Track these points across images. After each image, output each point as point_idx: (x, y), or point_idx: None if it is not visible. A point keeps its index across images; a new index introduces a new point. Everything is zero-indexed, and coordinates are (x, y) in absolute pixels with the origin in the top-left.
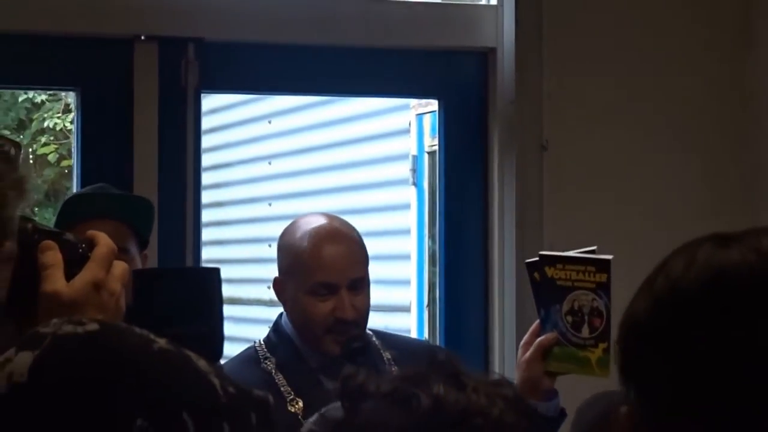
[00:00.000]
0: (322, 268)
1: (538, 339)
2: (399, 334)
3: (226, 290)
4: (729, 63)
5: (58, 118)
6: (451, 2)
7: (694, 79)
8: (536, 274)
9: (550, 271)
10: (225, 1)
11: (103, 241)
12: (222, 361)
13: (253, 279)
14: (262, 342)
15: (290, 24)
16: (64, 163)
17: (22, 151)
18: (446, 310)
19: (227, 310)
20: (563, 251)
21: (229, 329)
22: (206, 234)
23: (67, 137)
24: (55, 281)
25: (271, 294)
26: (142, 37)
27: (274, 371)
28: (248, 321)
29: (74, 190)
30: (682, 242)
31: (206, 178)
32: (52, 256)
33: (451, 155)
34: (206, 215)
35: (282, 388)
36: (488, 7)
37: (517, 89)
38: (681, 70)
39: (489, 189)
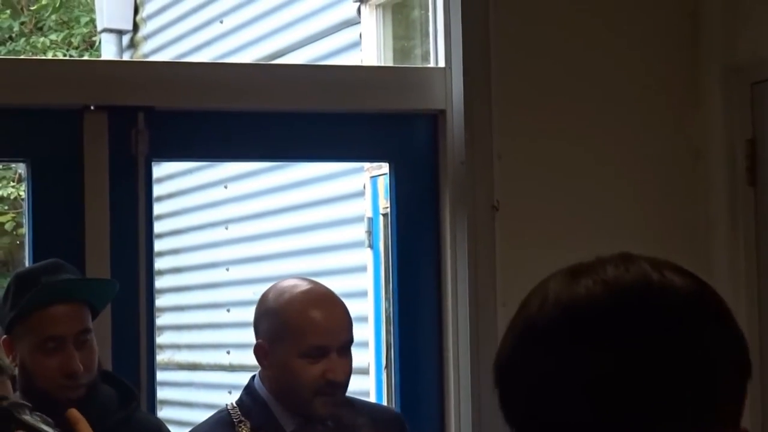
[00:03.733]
0: (316, 331)
1: None
2: (368, 400)
3: (186, 356)
4: (679, 120)
5: (12, 187)
6: (400, 66)
7: (645, 137)
8: None
9: None
10: (174, 70)
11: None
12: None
13: (212, 344)
14: (234, 405)
15: (239, 91)
16: (20, 231)
17: None
18: (401, 371)
19: (187, 376)
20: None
21: (189, 395)
22: (164, 300)
23: (20, 207)
24: None
25: (230, 359)
26: (92, 107)
27: None
28: (208, 386)
29: (26, 259)
30: None
31: (163, 245)
32: None
33: (403, 217)
34: (164, 282)
35: None
36: (437, 69)
37: (468, 150)
38: (636, 128)
39: (442, 250)
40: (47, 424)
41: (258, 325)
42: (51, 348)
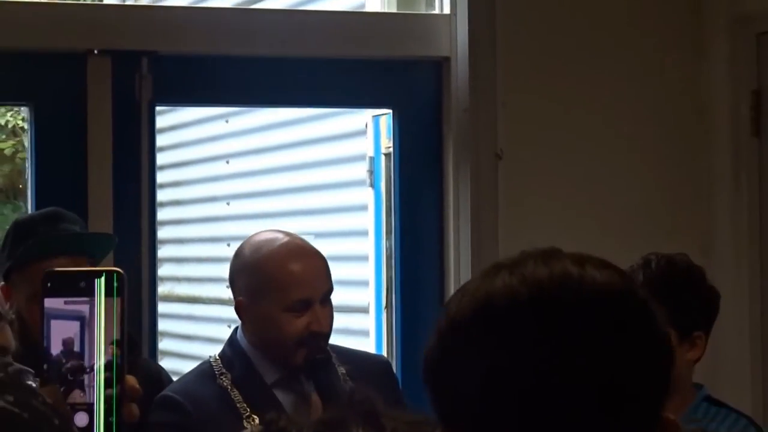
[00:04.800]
0: (299, 284)
1: None
2: (354, 348)
3: (187, 289)
4: (682, 72)
5: (11, 116)
6: (404, 12)
7: (648, 88)
8: None
9: None
10: (178, 14)
11: None
12: (175, 377)
13: (212, 278)
14: (217, 357)
15: (244, 36)
16: (21, 155)
17: None
18: (402, 311)
19: (187, 308)
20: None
21: (188, 328)
22: (165, 232)
23: (19, 135)
24: None
25: (229, 293)
26: (95, 51)
27: (229, 387)
28: (207, 320)
29: (29, 203)
30: (640, 250)
31: (164, 177)
32: None
33: (406, 164)
34: (164, 214)
35: (238, 404)
36: (442, 16)
37: (472, 98)
38: (636, 78)
39: (444, 197)
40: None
41: (236, 280)
42: None
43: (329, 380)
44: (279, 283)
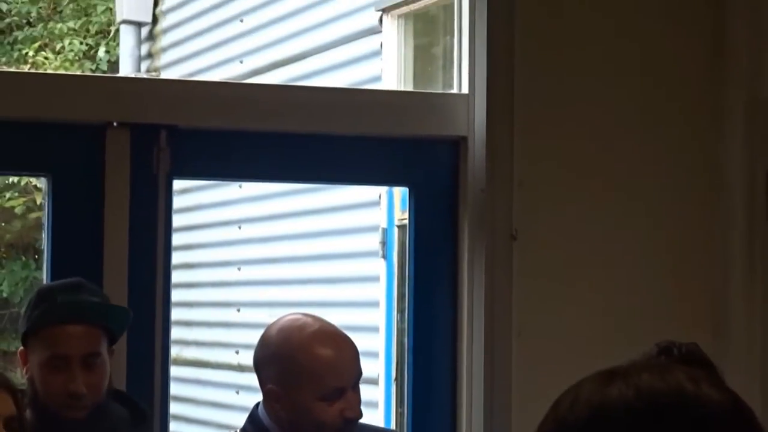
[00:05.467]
0: (334, 374)
1: None
2: (368, 424)
3: (195, 352)
4: (700, 150)
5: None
6: (422, 91)
7: (667, 165)
8: None
9: None
10: (197, 88)
11: None
12: None
13: (221, 343)
14: None
15: (262, 112)
16: (31, 215)
17: None
18: (414, 383)
19: (194, 372)
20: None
21: (196, 392)
22: (174, 295)
23: (32, 192)
24: None
25: (238, 359)
26: (114, 124)
27: None
28: (215, 384)
29: (45, 275)
30: (653, 331)
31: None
32: None
33: (421, 241)
34: (175, 277)
35: None
36: (460, 96)
37: (488, 177)
38: (655, 156)
39: (458, 274)
40: None
41: (264, 368)
42: (56, 366)
43: None
44: (313, 373)
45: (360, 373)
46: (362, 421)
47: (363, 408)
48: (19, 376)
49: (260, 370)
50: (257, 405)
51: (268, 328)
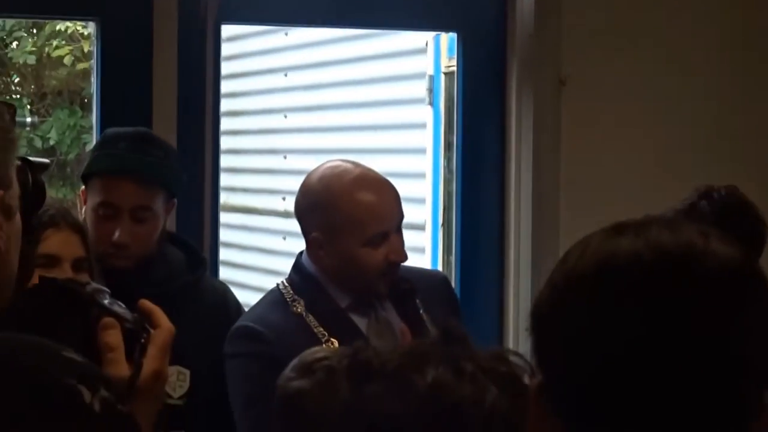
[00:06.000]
0: (377, 219)
1: None
2: (414, 266)
3: (242, 199)
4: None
5: (71, 22)
6: None
7: (720, 21)
8: None
9: None
10: None
11: (165, 324)
12: (233, 288)
13: (268, 189)
14: (286, 284)
15: None
16: (79, 66)
17: (16, 113)
18: (462, 229)
19: (242, 219)
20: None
21: (243, 237)
22: (223, 143)
23: (79, 40)
24: (120, 367)
25: (285, 205)
26: None
27: (304, 313)
28: (262, 231)
29: (94, 121)
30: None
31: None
32: (115, 338)
33: (469, 86)
34: (222, 123)
35: (315, 330)
36: None
37: (537, 22)
38: (709, 9)
39: (506, 121)
40: (125, 311)
41: (307, 216)
42: (104, 214)
43: (415, 310)
44: (357, 220)
45: (402, 216)
46: (408, 263)
47: (409, 253)
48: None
49: (303, 218)
50: (301, 253)
51: (309, 176)
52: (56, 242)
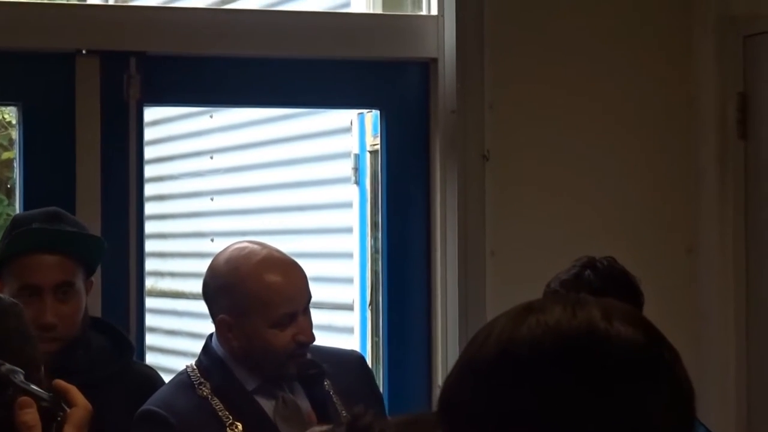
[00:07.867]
0: (284, 300)
1: None
2: (326, 345)
3: (170, 284)
4: (670, 72)
5: None
6: (392, 13)
7: (637, 87)
8: None
9: None
10: (166, 15)
11: (81, 402)
12: (163, 374)
13: (196, 273)
14: (194, 367)
15: (232, 36)
16: (5, 155)
17: None
18: (389, 308)
19: (171, 303)
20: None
21: (172, 323)
22: (148, 227)
23: (6, 128)
24: None
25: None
26: (84, 51)
27: (210, 396)
28: (192, 315)
29: (17, 203)
30: (626, 250)
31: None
32: (32, 416)
33: (394, 163)
34: (148, 209)
35: (220, 413)
36: (429, 17)
37: (459, 99)
38: (624, 78)
39: (431, 197)
40: (40, 390)
41: (215, 299)
42: (27, 296)
43: (323, 394)
44: (264, 301)
45: (310, 296)
46: (335, 344)
47: (338, 334)
48: None
49: (210, 301)
50: (210, 336)
51: (216, 258)
52: None
